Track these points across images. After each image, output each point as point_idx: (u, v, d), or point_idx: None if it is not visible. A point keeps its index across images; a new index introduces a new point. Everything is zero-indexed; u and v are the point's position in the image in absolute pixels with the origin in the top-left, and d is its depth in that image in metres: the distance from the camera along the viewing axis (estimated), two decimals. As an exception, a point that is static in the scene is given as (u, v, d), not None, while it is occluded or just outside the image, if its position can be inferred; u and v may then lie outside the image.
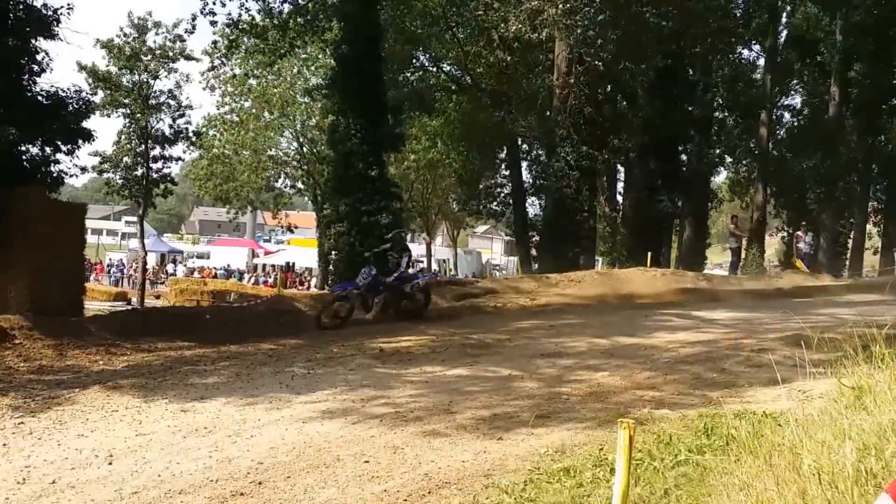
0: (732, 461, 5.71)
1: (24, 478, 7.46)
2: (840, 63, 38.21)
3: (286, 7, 30.66)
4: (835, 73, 38.88)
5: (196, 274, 60.72)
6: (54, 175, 19.47)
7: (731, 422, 7.35)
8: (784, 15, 40.72)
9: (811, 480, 4.27)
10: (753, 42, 42.06)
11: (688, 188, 36.57)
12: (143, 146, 35.24)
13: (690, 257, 35.68)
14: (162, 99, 35.78)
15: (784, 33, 41.26)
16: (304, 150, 45.41)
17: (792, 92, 45.88)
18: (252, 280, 59.46)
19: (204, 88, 45.55)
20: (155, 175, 35.69)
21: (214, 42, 35.75)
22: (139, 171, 35.37)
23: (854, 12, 35.79)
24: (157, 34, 35.44)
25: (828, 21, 38.77)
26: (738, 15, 38.56)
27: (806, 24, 40.50)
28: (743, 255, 33.89)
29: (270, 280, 57.71)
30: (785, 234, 45.76)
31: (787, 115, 46.20)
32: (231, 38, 31.90)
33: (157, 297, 44.16)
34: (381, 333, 15.48)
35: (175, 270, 63.41)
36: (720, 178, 49.55)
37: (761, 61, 41.50)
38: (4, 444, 8.43)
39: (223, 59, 37.62)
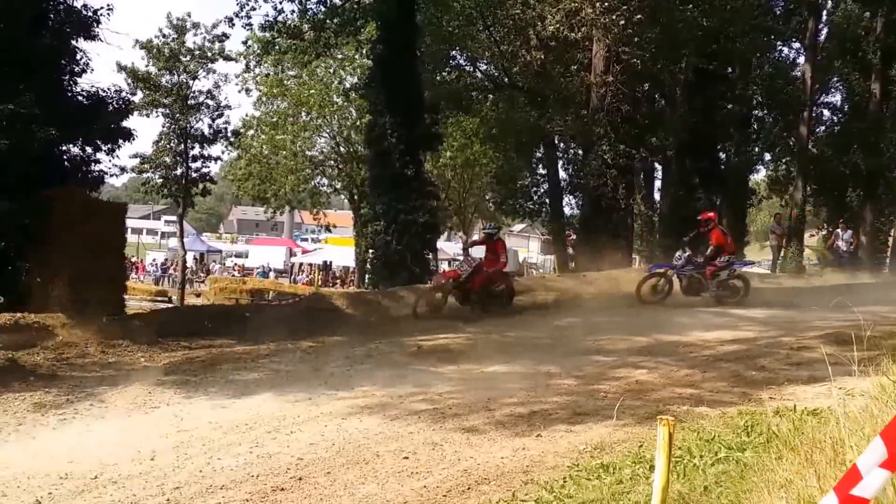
0: (773, 458, 5.67)
1: (67, 473, 7.56)
2: (881, 60, 37.81)
3: (321, 8, 30.69)
4: (875, 70, 38.46)
5: (236, 273, 61.03)
6: (94, 175, 19.73)
7: (771, 419, 7.32)
8: (825, 12, 40.27)
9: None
10: (793, 39, 41.68)
11: (726, 186, 36.28)
12: (183, 146, 35.48)
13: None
14: (201, 99, 36.00)
15: (825, 30, 40.79)
16: (341, 149, 45.43)
17: (832, 89, 45.37)
18: (293, 279, 59.77)
19: (239, 91, 45.67)
20: (194, 174, 35.89)
21: (245, 42, 35.85)
22: (178, 171, 35.61)
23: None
24: (195, 35, 35.69)
25: (869, 18, 38.32)
26: (778, 12, 38.23)
27: (847, 21, 40.04)
28: (781, 253, 33.73)
29: (307, 278, 58.02)
30: (824, 231, 45.32)
31: (826, 113, 45.70)
32: (267, 39, 31.95)
33: (198, 296, 44.41)
34: (419, 331, 15.53)
35: (214, 269, 63.76)
36: (759, 175, 49.04)
37: (801, 59, 41.10)
38: (47, 440, 8.54)
39: (257, 60, 37.80)
